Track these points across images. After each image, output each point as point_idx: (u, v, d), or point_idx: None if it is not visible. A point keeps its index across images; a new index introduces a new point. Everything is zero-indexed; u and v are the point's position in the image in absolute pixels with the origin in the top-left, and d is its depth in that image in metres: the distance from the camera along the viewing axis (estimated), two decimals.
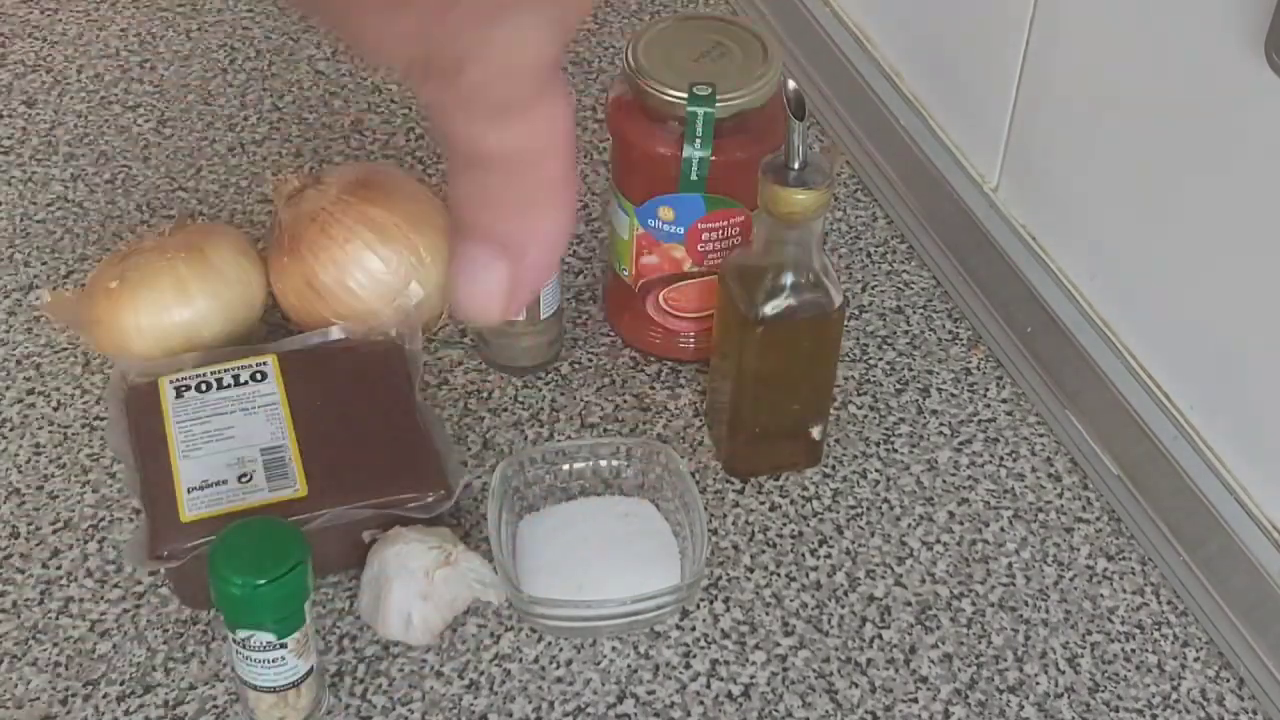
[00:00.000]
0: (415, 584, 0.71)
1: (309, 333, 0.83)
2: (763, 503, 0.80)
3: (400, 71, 0.25)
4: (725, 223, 0.81)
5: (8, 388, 0.85)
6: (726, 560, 0.77)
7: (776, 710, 0.71)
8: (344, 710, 0.70)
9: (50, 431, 0.83)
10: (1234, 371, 0.74)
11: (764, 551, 0.78)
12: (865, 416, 0.85)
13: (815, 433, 0.81)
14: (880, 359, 0.89)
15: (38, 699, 0.70)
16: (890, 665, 0.73)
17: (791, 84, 0.71)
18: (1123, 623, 0.75)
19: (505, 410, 0.85)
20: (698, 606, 0.75)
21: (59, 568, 0.76)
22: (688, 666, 0.73)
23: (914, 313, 0.92)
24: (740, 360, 0.77)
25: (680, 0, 1.18)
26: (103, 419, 0.83)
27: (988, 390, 0.88)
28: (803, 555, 0.78)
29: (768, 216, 0.73)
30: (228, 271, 0.83)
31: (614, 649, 0.73)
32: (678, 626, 0.74)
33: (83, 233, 0.96)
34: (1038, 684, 0.73)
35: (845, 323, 0.82)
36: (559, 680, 0.72)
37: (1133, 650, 0.74)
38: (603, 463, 0.78)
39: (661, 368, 0.88)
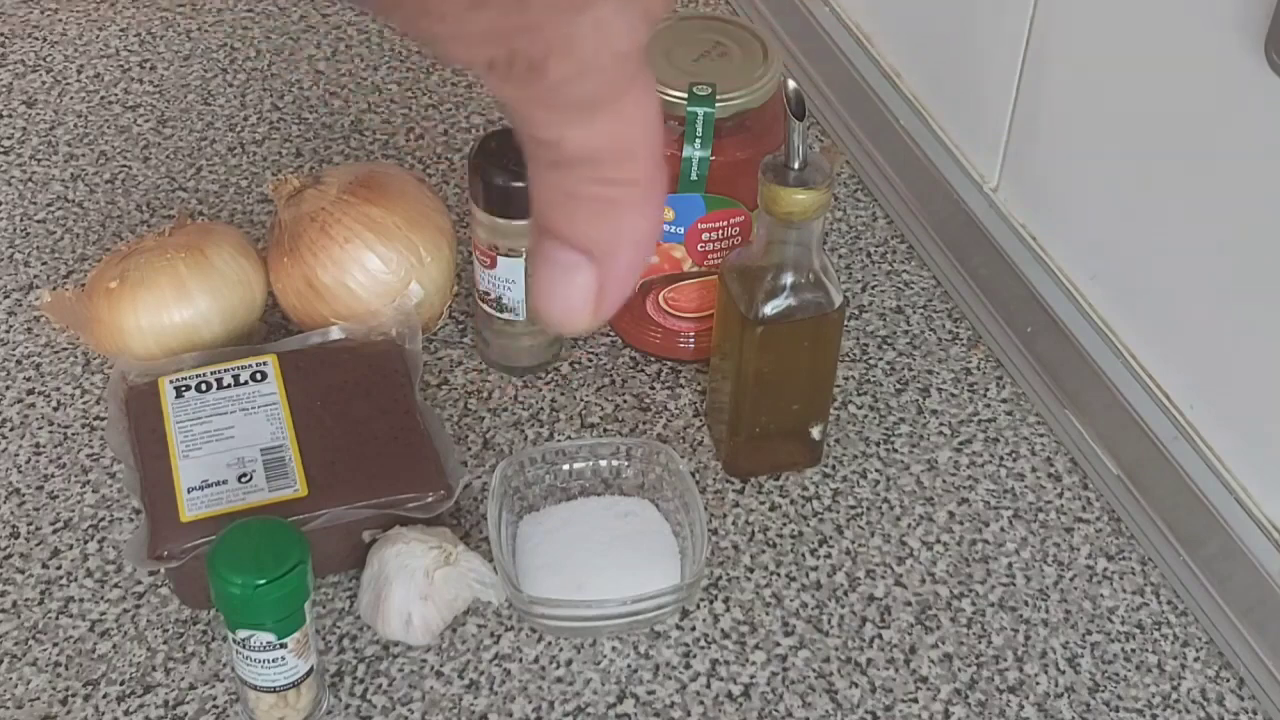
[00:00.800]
0: (415, 584, 0.71)
1: (309, 333, 0.83)
2: (763, 503, 0.80)
3: (479, 71, 0.24)
4: (725, 223, 0.81)
5: (8, 388, 0.85)
6: (726, 560, 0.77)
7: (776, 710, 0.71)
8: (344, 710, 0.70)
9: (50, 431, 0.83)
10: (1234, 372, 0.74)
11: (764, 551, 0.78)
12: (865, 416, 0.85)
13: (815, 433, 0.81)
14: (880, 359, 0.89)
15: (38, 699, 0.70)
16: (890, 665, 0.73)
17: (791, 84, 0.71)
18: (1123, 623, 0.75)
19: (505, 410, 0.85)
20: (698, 606, 0.75)
21: (59, 568, 0.76)
22: (688, 666, 0.73)
23: (914, 313, 0.92)
24: (740, 360, 0.77)
25: (680, 0, 1.18)
26: (103, 419, 0.83)
27: (988, 390, 0.88)
28: (803, 555, 0.78)
29: (768, 216, 0.73)
30: (228, 271, 0.83)
31: (614, 649, 0.73)
32: (678, 626, 0.74)
33: (83, 233, 0.96)
34: (1038, 684, 0.73)
35: (845, 323, 0.82)
36: (559, 680, 0.72)
37: (1133, 650, 0.74)
38: (603, 463, 0.78)
39: (661, 368, 0.88)
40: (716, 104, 0.76)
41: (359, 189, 0.84)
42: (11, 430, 0.83)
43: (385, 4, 0.22)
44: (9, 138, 1.03)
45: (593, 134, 0.24)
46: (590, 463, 0.78)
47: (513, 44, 0.23)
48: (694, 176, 0.78)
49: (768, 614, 0.75)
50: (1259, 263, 0.70)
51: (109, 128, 1.04)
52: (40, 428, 0.83)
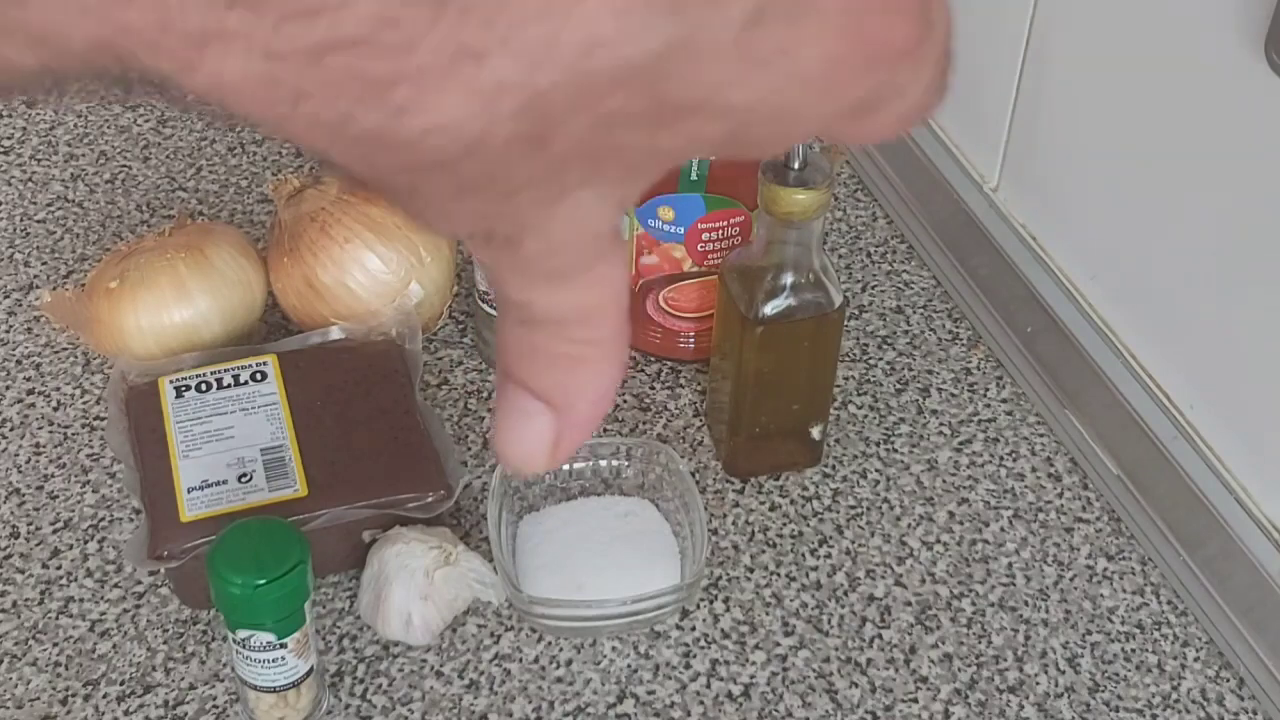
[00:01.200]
0: (415, 584, 0.71)
1: (309, 333, 0.83)
2: (763, 503, 0.80)
3: (460, 238, 0.25)
4: (725, 223, 0.81)
5: (8, 388, 0.85)
6: (726, 560, 0.77)
7: (776, 710, 0.71)
8: (344, 710, 0.70)
9: (50, 431, 0.83)
10: (1234, 371, 0.74)
11: (764, 551, 0.78)
12: (865, 416, 0.85)
13: (815, 433, 0.81)
14: (880, 359, 0.89)
15: (38, 699, 0.70)
16: (890, 665, 0.73)
17: None
18: (1123, 623, 0.75)
19: None
20: (698, 606, 0.75)
21: (59, 568, 0.76)
22: (688, 666, 0.73)
23: (914, 313, 0.92)
24: (740, 360, 0.77)
25: None
26: (103, 419, 0.83)
27: (988, 390, 0.88)
28: (803, 555, 0.78)
29: (768, 216, 0.73)
30: (228, 271, 0.83)
31: (614, 649, 0.73)
32: (678, 626, 0.74)
33: (83, 233, 0.96)
34: (1038, 684, 0.73)
35: (845, 323, 0.82)
36: (559, 680, 0.72)
37: (1133, 650, 0.74)
38: (603, 463, 0.78)
39: (661, 368, 0.88)
40: None
41: (359, 189, 0.84)
42: (11, 430, 0.83)
43: (376, 189, 0.23)
44: (9, 138, 1.03)
45: (560, 299, 0.26)
46: (590, 463, 0.78)
47: (491, 224, 0.24)
48: (694, 176, 0.78)
49: (768, 614, 0.75)
50: (1259, 262, 0.70)
51: (109, 128, 1.04)
52: (40, 428, 0.83)
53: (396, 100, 0.21)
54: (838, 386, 0.86)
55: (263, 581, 0.62)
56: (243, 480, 0.73)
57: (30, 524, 0.78)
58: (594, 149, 0.22)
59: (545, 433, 0.28)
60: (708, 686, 0.72)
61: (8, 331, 0.89)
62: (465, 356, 0.88)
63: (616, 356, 0.27)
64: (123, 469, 0.78)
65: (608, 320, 0.27)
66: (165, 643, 0.72)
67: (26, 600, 0.74)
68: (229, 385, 0.78)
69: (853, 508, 0.80)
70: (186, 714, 0.70)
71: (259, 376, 0.78)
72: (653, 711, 0.71)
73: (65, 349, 0.88)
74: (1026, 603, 0.76)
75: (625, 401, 0.86)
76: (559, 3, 0.20)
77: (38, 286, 0.92)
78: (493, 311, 0.84)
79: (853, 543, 0.79)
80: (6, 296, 0.91)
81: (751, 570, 0.77)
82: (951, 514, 0.80)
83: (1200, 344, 0.76)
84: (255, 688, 0.66)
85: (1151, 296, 0.79)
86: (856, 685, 0.72)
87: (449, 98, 0.21)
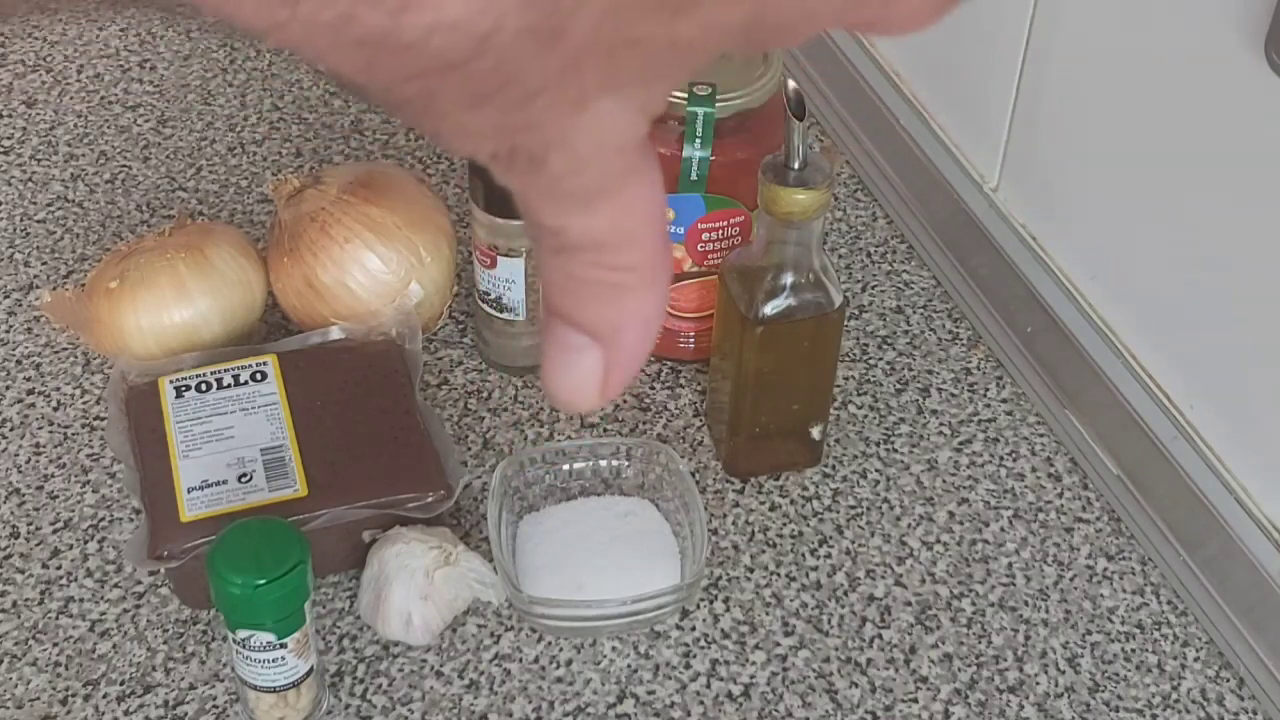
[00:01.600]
0: (415, 584, 0.71)
1: (309, 333, 0.83)
2: (763, 503, 0.80)
3: (483, 161, 0.24)
4: (725, 223, 0.81)
5: (8, 388, 0.85)
6: (726, 560, 0.77)
7: (776, 710, 0.71)
8: (344, 710, 0.70)
9: (50, 431, 0.83)
10: (1234, 371, 0.74)
11: (764, 551, 0.78)
12: (865, 416, 0.85)
13: (815, 433, 0.81)
14: (880, 359, 0.89)
15: (38, 699, 0.70)
16: (890, 665, 0.73)
17: (791, 84, 0.71)
18: (1123, 623, 0.75)
19: (505, 410, 0.85)
20: (698, 606, 0.75)
21: (59, 568, 0.76)
22: (688, 666, 0.73)
23: (914, 313, 0.92)
24: (740, 360, 0.77)
25: None
26: (103, 419, 0.83)
27: (988, 390, 0.88)
28: (803, 555, 0.78)
29: (768, 216, 0.73)
30: (228, 271, 0.83)
31: (614, 649, 0.73)
32: (678, 626, 0.74)
33: (83, 233, 0.96)
34: (1038, 684, 0.73)
35: (845, 323, 0.82)
36: (559, 680, 0.72)
37: (1133, 650, 0.74)
38: (603, 463, 0.78)
39: (661, 368, 0.88)
40: (716, 104, 0.76)
41: (359, 189, 0.84)
42: (11, 430, 0.83)
43: (389, 103, 0.22)
44: (9, 138, 1.03)
45: (594, 222, 0.25)
46: (590, 463, 0.78)
47: (513, 140, 0.23)
48: (694, 176, 0.78)
49: (768, 614, 0.75)
50: (1259, 262, 0.70)
51: (109, 128, 1.04)
52: (40, 428, 0.83)
53: None
54: (838, 386, 0.86)
55: (263, 581, 0.62)
56: (243, 480, 0.73)
57: (30, 524, 0.78)
58: (609, 43, 0.21)
59: (594, 367, 0.27)
60: (708, 686, 0.72)
61: (8, 331, 0.89)
62: (465, 356, 0.88)
63: (659, 282, 0.27)
64: (123, 469, 0.78)
65: (646, 243, 0.26)
66: (165, 643, 0.72)
67: (26, 600, 0.74)
68: (229, 385, 0.78)
69: (853, 508, 0.80)
70: (186, 714, 0.70)
71: (259, 376, 0.78)
72: (653, 711, 0.71)
73: (65, 349, 0.88)
74: (1026, 603, 0.76)
75: (625, 401, 0.86)
76: None
77: (38, 286, 0.92)
78: (493, 312, 0.84)
79: (853, 543, 0.79)
80: (6, 296, 0.91)
81: (751, 570, 0.77)
82: (951, 514, 0.80)
83: (1200, 344, 0.76)
84: (255, 688, 0.66)
85: (1151, 296, 0.79)
86: (856, 685, 0.72)
87: None
